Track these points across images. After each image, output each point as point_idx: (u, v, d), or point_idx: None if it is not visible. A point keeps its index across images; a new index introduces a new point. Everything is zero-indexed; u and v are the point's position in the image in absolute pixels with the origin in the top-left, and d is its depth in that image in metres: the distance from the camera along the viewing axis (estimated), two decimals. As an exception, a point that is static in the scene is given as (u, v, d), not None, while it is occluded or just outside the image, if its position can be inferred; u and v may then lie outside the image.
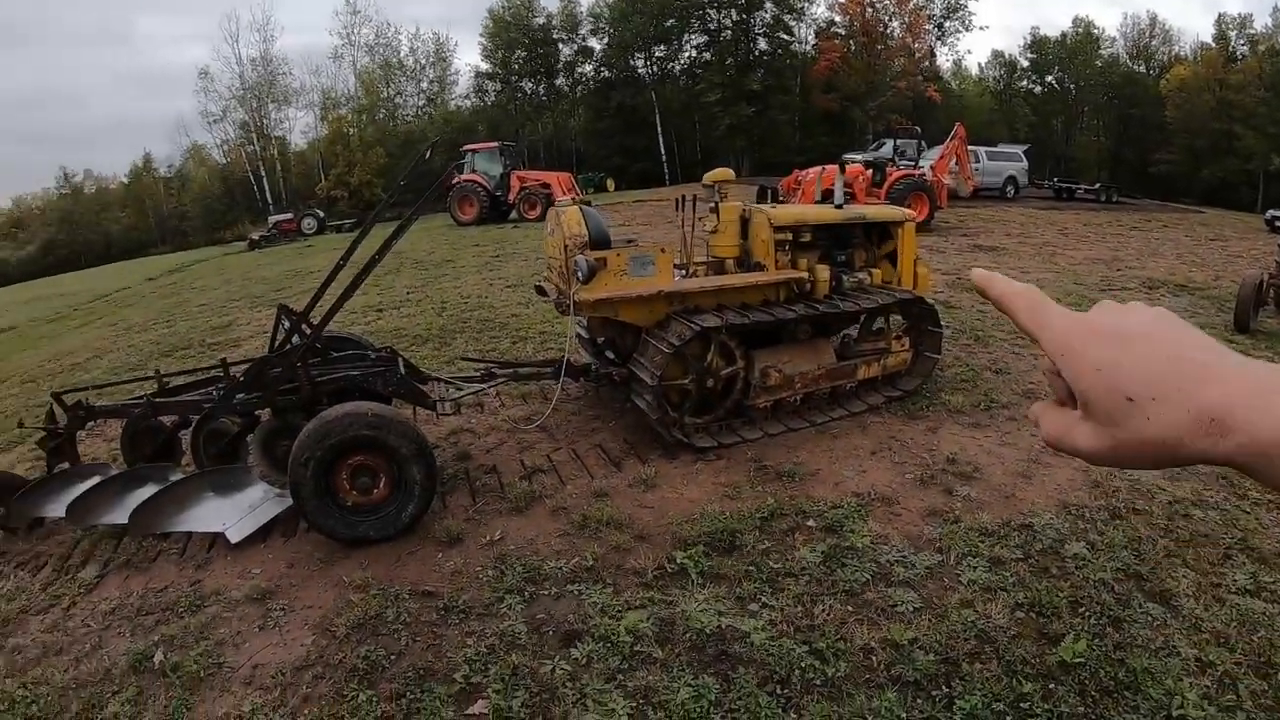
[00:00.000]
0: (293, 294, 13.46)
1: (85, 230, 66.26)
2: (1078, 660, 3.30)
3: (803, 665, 3.23)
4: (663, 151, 54.97)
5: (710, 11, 54.78)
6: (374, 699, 3.24)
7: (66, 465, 5.41)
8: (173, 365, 9.59)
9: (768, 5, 54.59)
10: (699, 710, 2.98)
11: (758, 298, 5.68)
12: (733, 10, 54.56)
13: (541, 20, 57.56)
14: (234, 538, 4.58)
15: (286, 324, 5.33)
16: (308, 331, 5.17)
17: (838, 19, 55.10)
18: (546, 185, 24.63)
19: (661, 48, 56.88)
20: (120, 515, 4.79)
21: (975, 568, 3.98)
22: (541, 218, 21.79)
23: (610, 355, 6.03)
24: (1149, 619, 3.63)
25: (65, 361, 12.18)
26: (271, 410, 5.06)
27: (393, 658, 3.46)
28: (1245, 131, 52.79)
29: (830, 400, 5.98)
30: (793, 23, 56.15)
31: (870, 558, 4.03)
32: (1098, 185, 34.90)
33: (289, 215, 39.84)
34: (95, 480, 5.17)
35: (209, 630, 3.84)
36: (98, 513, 4.92)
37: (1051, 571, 3.99)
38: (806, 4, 55.97)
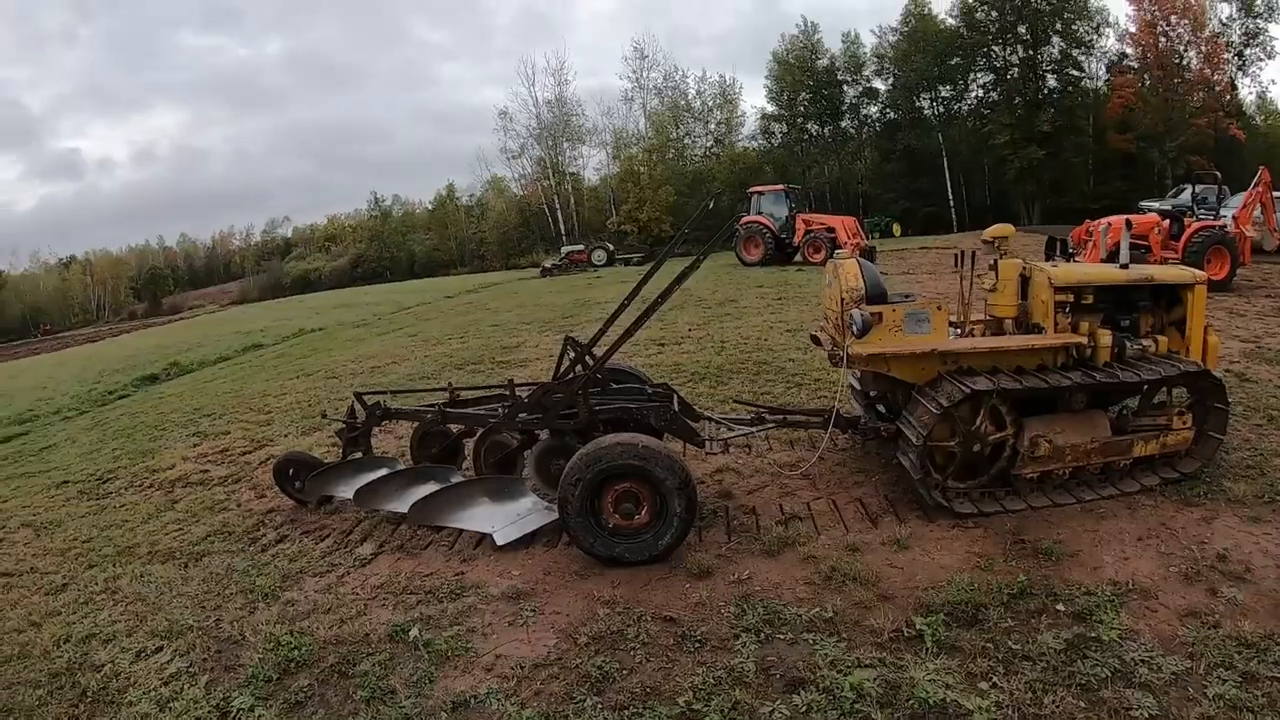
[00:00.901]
0: (579, 323, 14.24)
1: (391, 248, 73.62)
2: None
3: None
4: (950, 195, 53.45)
5: (995, 49, 52.61)
6: (599, 706, 3.45)
7: (360, 455, 6.25)
8: (463, 378, 10.53)
9: (1055, 40, 51.75)
10: None
11: (1034, 362, 5.39)
12: (1019, 46, 52.01)
13: (825, 62, 57.70)
14: (500, 540, 5.08)
15: (571, 354, 5.81)
16: (590, 363, 5.60)
17: (1129, 51, 51.29)
18: (831, 229, 24.69)
19: (947, 87, 55.51)
20: (402, 505, 5.50)
21: (1224, 680, 3.53)
22: (826, 261, 21.96)
23: (881, 409, 6.01)
24: None
25: (366, 364, 13.64)
26: (550, 431, 5.53)
27: (625, 672, 3.67)
28: None
29: (1100, 477, 5.52)
30: (1082, 58, 52.92)
31: (1115, 653, 3.72)
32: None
33: (580, 246, 42.43)
34: (384, 471, 6.00)
35: (463, 617, 4.27)
36: (382, 499, 5.69)
37: None
38: (1096, 37, 52.43)
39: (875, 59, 57.21)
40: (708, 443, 5.49)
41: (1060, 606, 4.13)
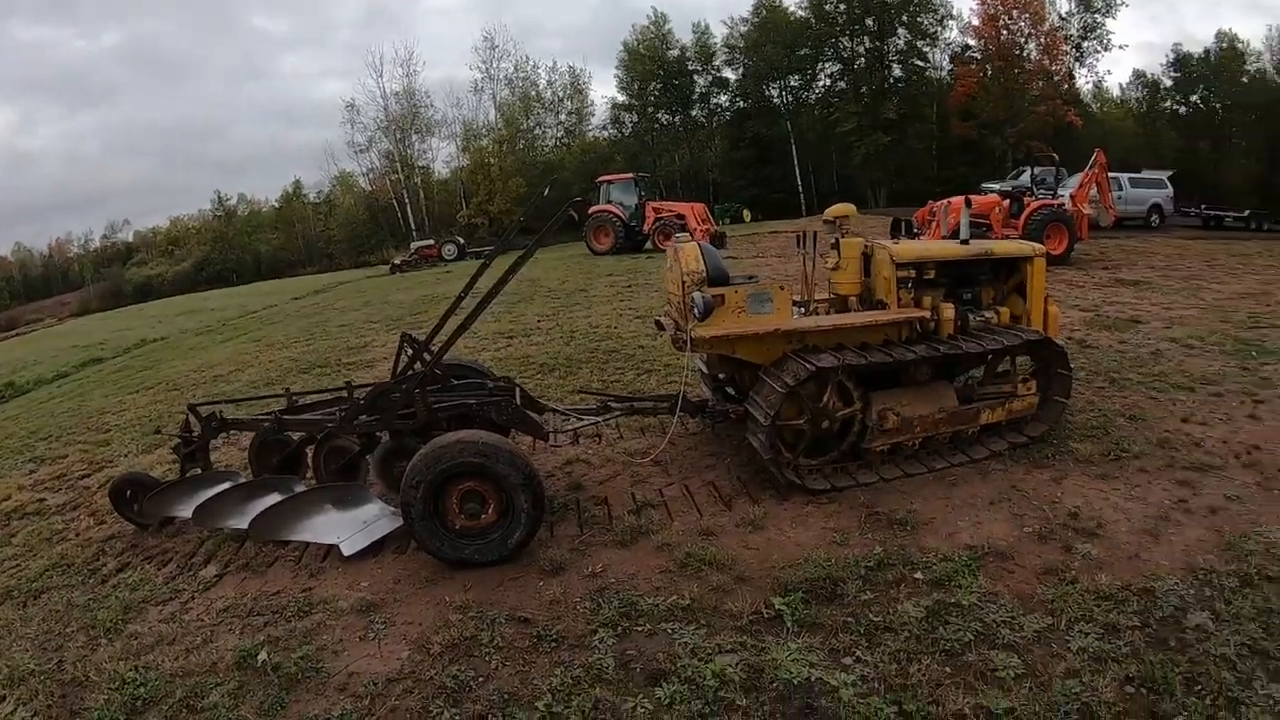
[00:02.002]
0: (427, 319, 13.94)
1: (237, 250, 70.72)
2: None
3: None
4: (798, 181, 54.82)
5: (843, 40, 54.32)
6: (457, 718, 3.33)
7: (199, 471, 5.87)
8: (309, 382, 10.12)
9: (901, 31, 53.79)
10: None
11: (878, 337, 5.51)
12: (866, 38, 53.90)
13: (675, 52, 58.22)
14: (347, 550, 4.86)
15: (409, 351, 5.58)
16: (428, 360, 5.38)
17: (972, 43, 53.72)
18: (681, 216, 24.87)
19: (796, 77, 56.83)
20: (243, 520, 5.19)
21: (1087, 634, 3.71)
22: (677, 249, 22.18)
23: (730, 391, 6.01)
24: (1270, 703, 3.29)
25: (209, 373, 13.01)
26: (389, 433, 5.29)
27: (481, 680, 3.55)
28: None
29: (950, 445, 5.73)
30: (927, 49, 55.16)
31: (976, 616, 3.83)
32: (1247, 213, 32.88)
33: (430, 241, 41.56)
34: (224, 486, 5.65)
35: (313, 636, 4.06)
36: (223, 516, 5.37)
37: (1169, 643, 3.68)
38: (940, 29, 54.88)
39: (726, 49, 58.08)
40: (552, 435, 5.39)
41: (918, 575, 4.21)
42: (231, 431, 6.23)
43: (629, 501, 5.35)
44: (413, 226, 55.87)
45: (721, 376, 6.11)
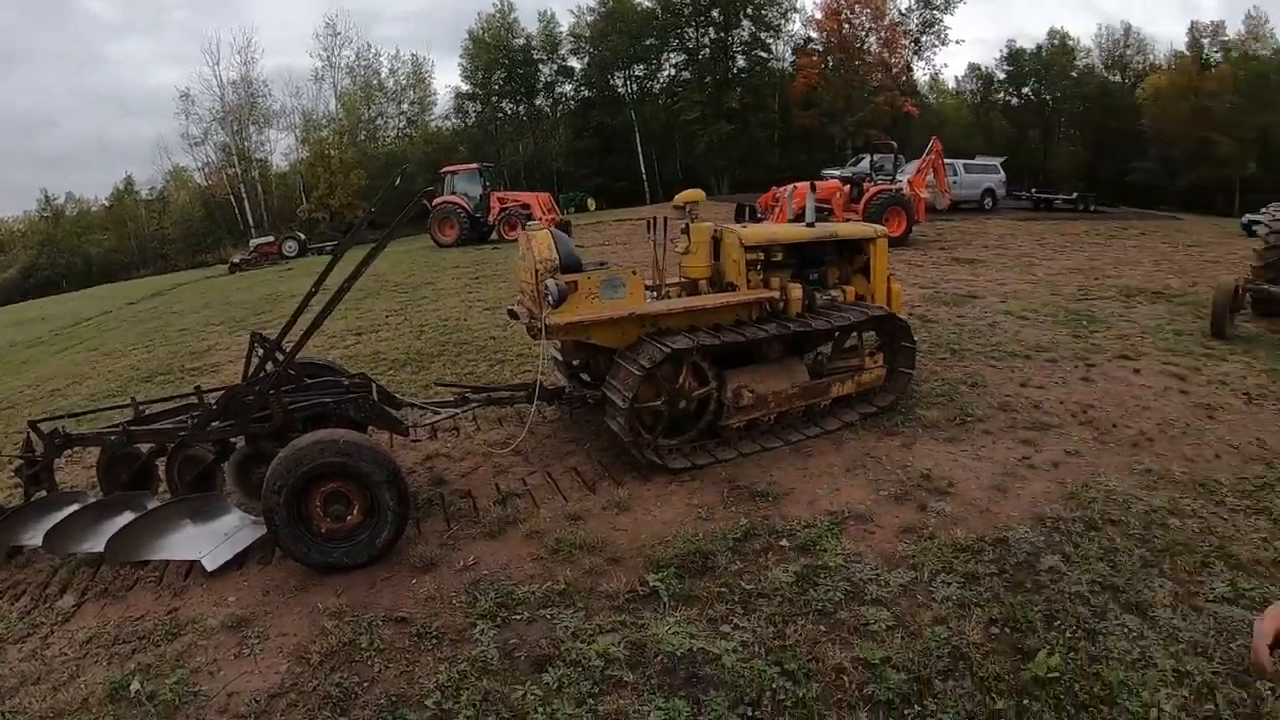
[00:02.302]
0: (271, 318, 13.47)
1: (66, 253, 65.79)
2: (1052, 675, 3.31)
3: (774, 687, 3.24)
4: (643, 170, 55.11)
5: (688, 30, 55.11)
6: None
7: (44, 493, 5.42)
8: (152, 391, 9.57)
9: (745, 23, 55.02)
10: None
11: (730, 318, 5.70)
12: (710, 29, 54.88)
13: (521, 41, 57.67)
14: (210, 566, 4.59)
15: (260, 351, 5.34)
16: (280, 359, 5.18)
17: (815, 35, 55.47)
18: (526, 206, 24.62)
19: (641, 67, 57.19)
20: (97, 543, 4.80)
21: (949, 584, 4.00)
22: (524, 238, 21.90)
23: (585, 377, 6.05)
24: (1125, 630, 3.66)
25: (45, 387, 12.12)
26: (245, 438, 5.06)
27: (365, 685, 3.46)
28: (1221, 138, 53.37)
29: (804, 419, 6.00)
30: (770, 40, 56.54)
31: (843, 576, 4.05)
32: (1075, 195, 35.09)
33: (270, 239, 39.82)
34: (73, 508, 5.18)
35: (185, 659, 3.85)
36: (75, 541, 4.94)
37: (1026, 586, 4.01)
38: (783, 21, 56.38)
39: (572, 38, 57.96)
40: (412, 429, 5.29)
41: (784, 542, 4.39)
42: (76, 448, 5.83)
43: (494, 492, 5.33)
44: (251, 223, 53.33)
45: (576, 363, 6.17)
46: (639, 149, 55.22)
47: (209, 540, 4.77)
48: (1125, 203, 45.97)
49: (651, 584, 3.96)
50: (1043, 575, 4.11)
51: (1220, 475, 5.42)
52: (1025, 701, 3.18)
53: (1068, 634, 3.61)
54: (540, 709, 3.16)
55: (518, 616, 3.82)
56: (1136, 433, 6.24)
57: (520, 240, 5.71)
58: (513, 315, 6.10)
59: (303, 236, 40.57)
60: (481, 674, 3.43)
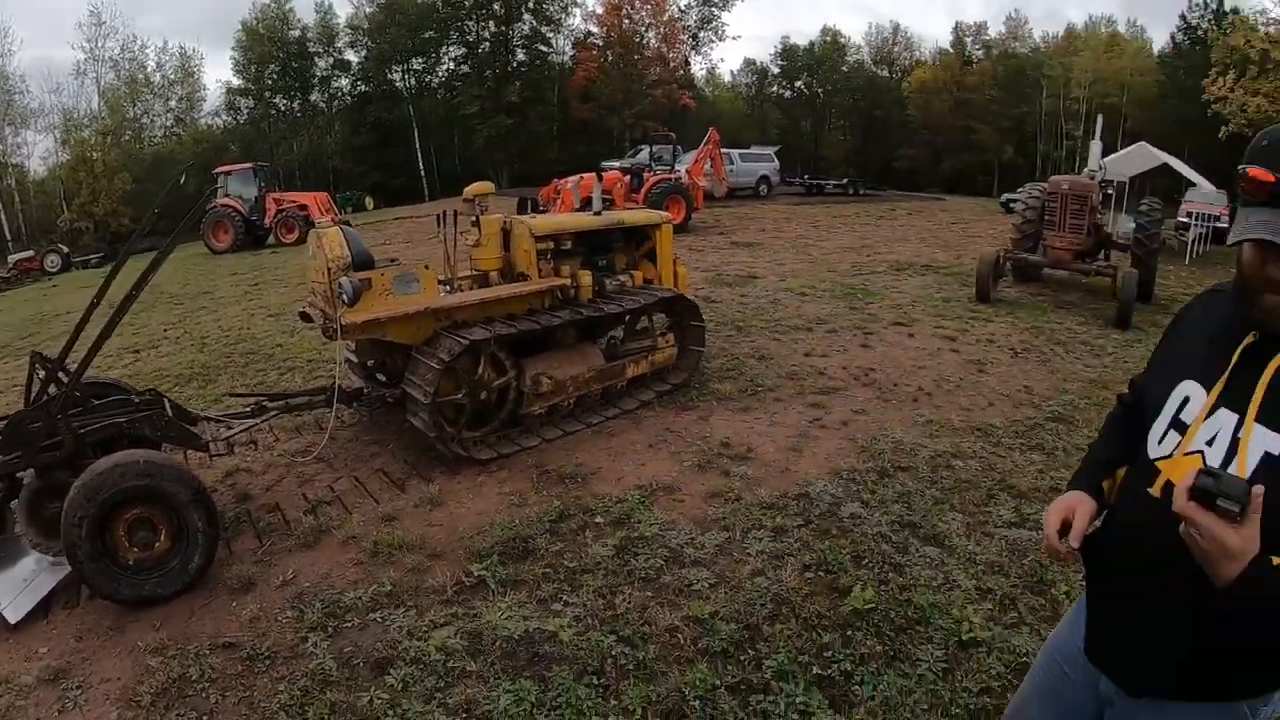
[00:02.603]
0: (40, 341, 12.24)
1: None
2: (869, 606, 3.66)
3: (614, 654, 3.37)
4: (421, 167, 54.11)
5: (469, 23, 54.40)
6: None
7: None
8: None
9: (526, 17, 54.92)
10: (522, 713, 3.05)
11: (523, 307, 5.80)
12: (491, 22, 54.46)
13: (297, 33, 55.03)
14: (13, 617, 4.05)
15: (41, 374, 4.87)
16: (65, 380, 4.75)
17: (595, 30, 56.36)
18: (303, 207, 23.52)
19: (420, 60, 56.11)
20: None
21: (761, 539, 4.29)
22: (300, 241, 20.88)
23: (381, 377, 5.97)
24: (927, 560, 4.10)
25: None
26: (35, 470, 4.61)
27: (206, 718, 3.28)
28: (981, 127, 59.45)
29: (603, 401, 6.19)
30: (550, 34, 56.89)
31: (661, 544, 4.24)
32: (845, 180, 37.54)
33: (30, 253, 36.08)
34: None
35: None
36: None
37: (832, 532, 4.38)
38: (564, 16, 56.84)
39: (349, 30, 55.95)
40: (212, 444, 5.01)
41: (599, 519, 4.55)
42: None
43: (302, 503, 5.15)
44: (9, 237, 48.07)
45: (371, 363, 6.08)
46: (417, 144, 54.07)
47: (7, 589, 4.22)
48: (893, 186, 49.46)
49: (477, 574, 3.99)
50: (846, 521, 4.51)
51: (995, 420, 6.10)
52: (849, 633, 3.50)
53: (877, 570, 3.99)
54: (390, 711, 3.13)
55: (348, 624, 3.73)
56: (916, 389, 6.85)
57: (310, 239, 5.54)
58: (305, 318, 5.91)
59: (66, 249, 36.95)
60: (324, 687, 3.33)
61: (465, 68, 55.79)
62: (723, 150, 24.78)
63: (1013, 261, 11.97)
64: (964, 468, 5.26)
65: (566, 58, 57.55)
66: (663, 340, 6.57)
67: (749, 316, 9.43)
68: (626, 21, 54.27)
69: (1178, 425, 1.65)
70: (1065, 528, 1.74)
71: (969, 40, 67.04)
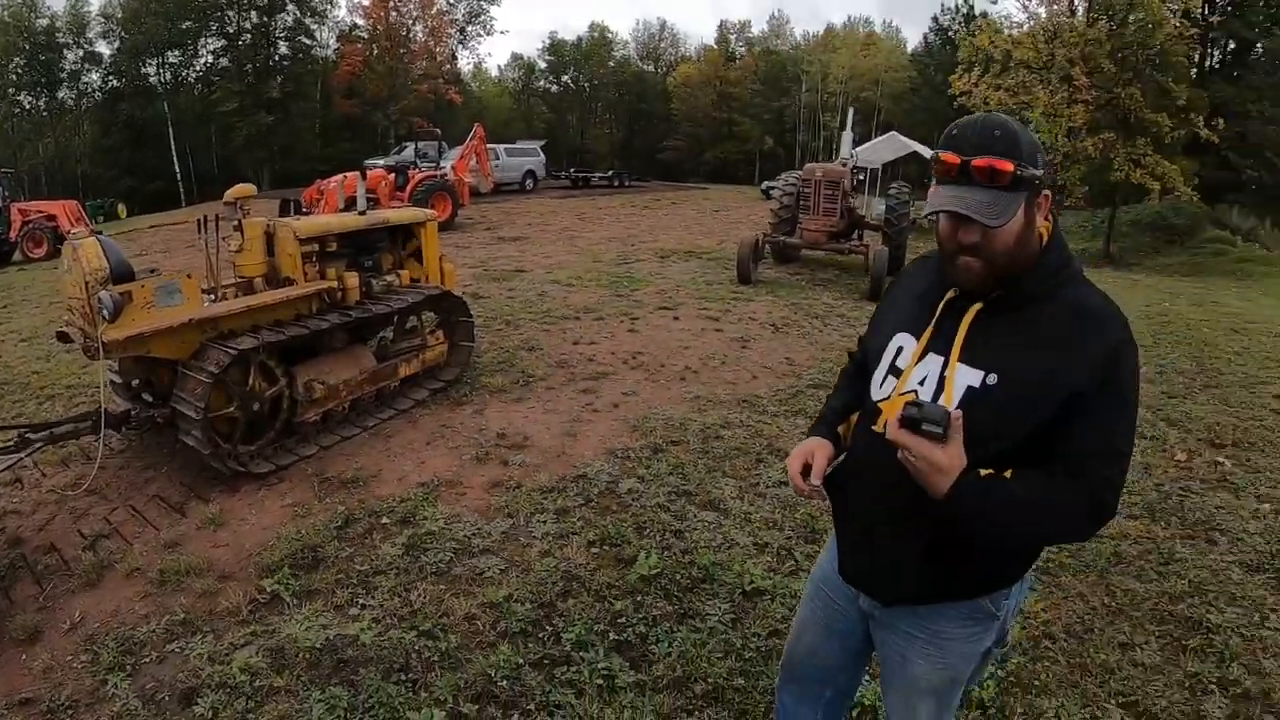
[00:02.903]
0: None
1: None
2: (655, 572, 3.90)
3: (417, 648, 3.40)
4: (177, 169, 49.61)
5: (229, 13, 50.29)
6: None
7: None
8: None
9: (290, 8, 51.70)
10: (336, 719, 3.03)
11: (291, 313, 5.58)
12: (253, 12, 50.71)
13: (45, 21, 48.87)
14: None
15: None
16: None
17: (361, 22, 54.09)
18: (52, 217, 21.23)
19: (176, 53, 51.37)
20: None
21: (545, 522, 4.44)
22: (50, 256, 18.98)
23: (148, 397, 5.58)
24: (706, 524, 4.40)
25: None
26: None
27: None
28: (742, 119, 62.54)
29: (378, 402, 6.10)
30: (315, 26, 53.88)
31: (448, 537, 4.30)
32: (610, 172, 38.23)
33: None
34: None
35: None
36: None
37: (612, 508, 4.60)
38: (329, 7, 54.03)
39: (102, 19, 50.27)
40: None
41: (385, 520, 4.53)
42: None
43: (79, 540, 4.70)
44: None
45: (137, 382, 5.59)
46: (172, 144, 49.41)
47: None
48: (657, 177, 50.87)
49: (270, 589, 3.88)
50: (625, 497, 4.74)
51: (759, 391, 6.55)
52: (639, 598, 3.71)
53: (659, 538, 4.25)
54: (203, 741, 3.02)
55: (146, 659, 3.51)
56: (683, 368, 7.21)
57: (65, 252, 5.05)
58: (63, 338, 5.43)
59: None
60: (131, 728, 3.16)
61: (225, 61, 51.68)
62: (488, 146, 24.66)
63: (771, 244, 12.79)
64: (733, 436, 5.64)
65: (331, 51, 54.96)
66: (433, 338, 6.55)
67: (518, 309, 9.52)
68: (393, 14, 52.56)
69: (894, 371, 1.89)
70: (807, 470, 1.94)
71: (733, 37, 70.27)
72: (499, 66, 74.37)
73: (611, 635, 3.48)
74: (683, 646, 3.39)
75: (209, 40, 51.93)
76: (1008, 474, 1.64)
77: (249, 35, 51.35)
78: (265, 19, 51.33)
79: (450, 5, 55.84)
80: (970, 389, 1.73)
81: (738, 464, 5.23)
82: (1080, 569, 4.22)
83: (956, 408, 1.70)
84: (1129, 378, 1.68)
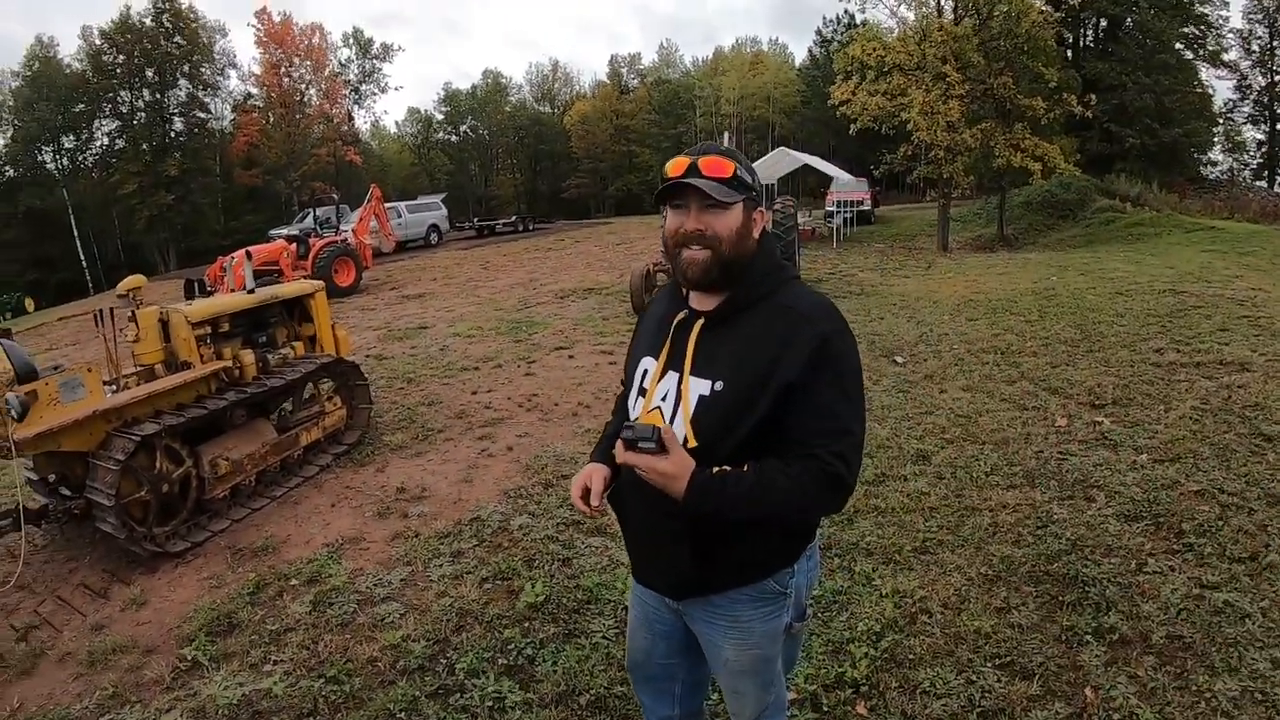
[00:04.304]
0: None
1: None
2: (541, 598, 4.19)
3: (324, 694, 3.60)
4: (82, 257, 48.11)
5: (122, 93, 49.29)
6: None
7: None
8: None
9: (183, 83, 50.71)
10: None
11: (190, 395, 5.71)
12: (145, 90, 49.62)
13: (-66, 113, 47.04)
14: None
15: None
16: None
17: (255, 91, 53.39)
18: None
19: (71, 137, 50.10)
20: None
21: (441, 565, 4.70)
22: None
23: (65, 491, 5.65)
24: (592, 549, 4.70)
25: None
26: None
27: None
28: (642, 149, 63.25)
29: (284, 471, 6.22)
30: (209, 99, 52.91)
31: (352, 590, 4.52)
32: (515, 217, 38.18)
33: None
34: None
35: None
36: None
37: (504, 545, 4.87)
38: (221, 78, 53.23)
39: (-7, 109, 48.87)
40: None
41: (294, 581, 4.72)
42: None
43: (11, 633, 4.76)
44: None
45: (52, 478, 5.65)
46: (74, 232, 48.01)
47: None
48: (564, 216, 50.97)
49: (190, 656, 4.03)
50: (516, 533, 5.02)
51: None
52: (528, 624, 4.00)
53: (547, 568, 4.54)
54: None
55: None
56: (576, 405, 7.51)
57: None
58: None
59: None
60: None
61: (121, 142, 50.43)
62: (389, 204, 24.66)
63: (663, 272, 13.05)
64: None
65: (227, 123, 54.02)
66: (330, 404, 6.73)
67: (419, 366, 9.69)
68: (286, 80, 51.93)
69: (642, 391, 2.04)
70: (587, 494, 2.03)
71: (625, 70, 70.99)
72: (396, 122, 73.86)
73: (501, 660, 3.75)
74: (568, 663, 3.66)
75: (103, 122, 50.77)
76: (744, 468, 1.79)
77: (143, 114, 50.24)
78: (158, 96, 50.23)
79: (343, 66, 55.63)
80: (701, 397, 1.88)
81: (625, 492, 5.52)
82: (958, 544, 4.49)
83: (694, 413, 1.89)
84: (843, 364, 1.84)
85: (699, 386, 1.90)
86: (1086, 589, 3.94)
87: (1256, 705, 3.09)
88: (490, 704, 3.45)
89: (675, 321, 2.02)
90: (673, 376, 1.97)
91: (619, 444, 1.81)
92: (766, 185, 20.83)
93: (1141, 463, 5.44)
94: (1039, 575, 4.12)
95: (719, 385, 1.87)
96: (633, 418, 2.03)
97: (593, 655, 3.72)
